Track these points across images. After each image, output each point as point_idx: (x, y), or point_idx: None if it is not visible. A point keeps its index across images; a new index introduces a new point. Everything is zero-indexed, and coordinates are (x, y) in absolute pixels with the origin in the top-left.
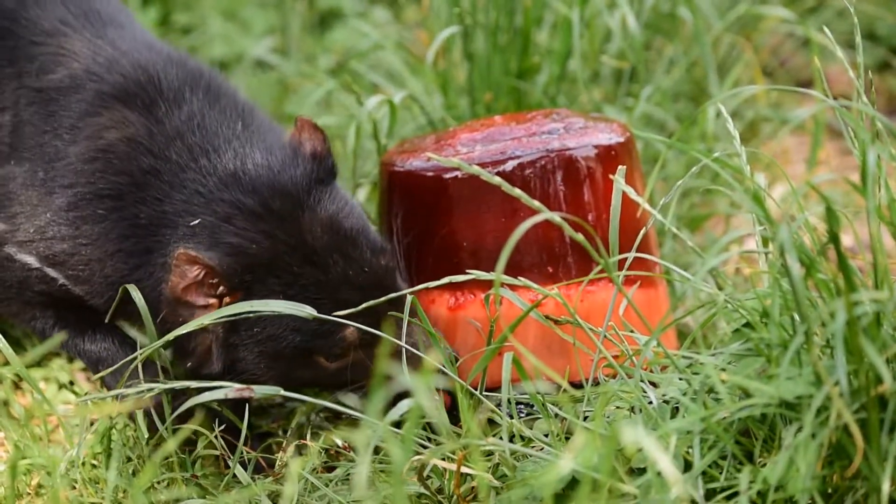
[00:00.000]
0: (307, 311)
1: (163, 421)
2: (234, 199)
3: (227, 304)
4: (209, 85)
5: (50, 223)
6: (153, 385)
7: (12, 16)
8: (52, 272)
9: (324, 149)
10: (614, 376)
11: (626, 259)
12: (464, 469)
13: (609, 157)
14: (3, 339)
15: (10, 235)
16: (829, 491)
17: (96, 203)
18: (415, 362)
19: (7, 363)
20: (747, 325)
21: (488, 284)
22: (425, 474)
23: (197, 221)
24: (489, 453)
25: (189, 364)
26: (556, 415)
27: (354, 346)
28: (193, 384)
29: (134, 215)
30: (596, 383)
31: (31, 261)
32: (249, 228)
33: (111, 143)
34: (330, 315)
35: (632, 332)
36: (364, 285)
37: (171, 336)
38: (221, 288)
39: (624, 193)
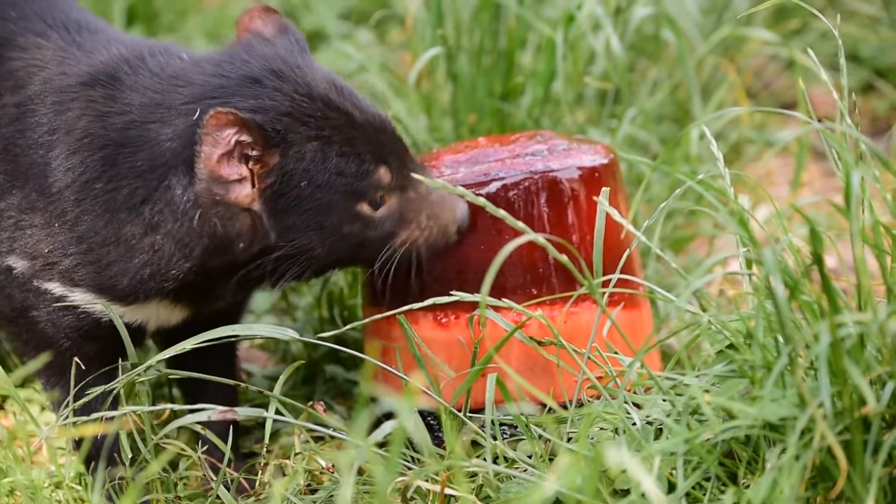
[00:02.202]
0: (289, 334)
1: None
2: (226, 80)
3: (261, 173)
4: (169, 46)
5: (58, 235)
6: (136, 408)
7: None
8: (78, 294)
9: (286, 23)
10: (598, 397)
11: (609, 280)
12: (448, 490)
13: (593, 178)
14: None
15: (31, 268)
16: None
17: (94, 186)
18: (445, 203)
19: None
20: (731, 346)
21: (472, 306)
22: (409, 496)
23: (196, 115)
24: (473, 475)
25: (242, 245)
26: (540, 436)
27: (390, 189)
28: (176, 407)
29: (132, 168)
30: (580, 404)
31: (56, 287)
32: (257, 91)
33: (85, 129)
34: (364, 151)
35: (616, 353)
36: (382, 128)
37: None
38: (256, 150)
39: (608, 215)
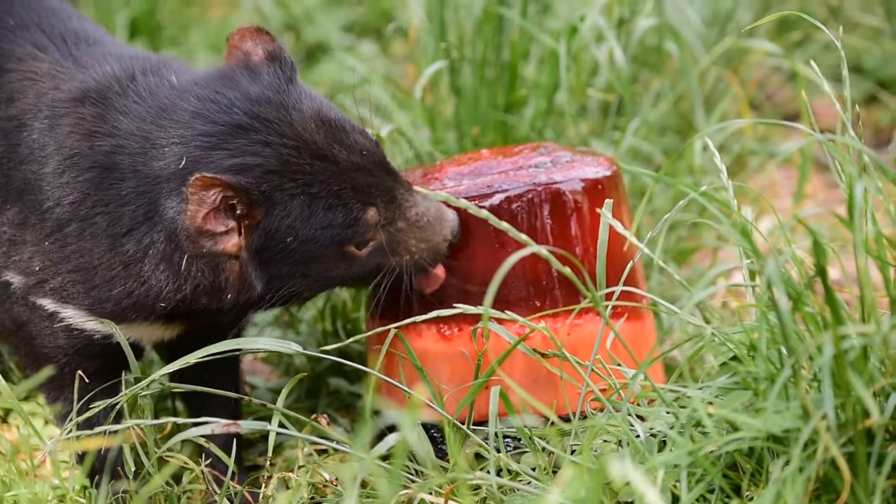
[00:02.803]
0: (293, 347)
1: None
2: (212, 126)
3: (247, 226)
4: (162, 65)
5: (49, 253)
6: (139, 422)
7: None
8: (69, 311)
9: (277, 47)
10: (602, 410)
11: (613, 292)
12: (451, 503)
13: (596, 190)
14: None
15: (25, 284)
16: None
17: (80, 208)
18: (435, 224)
19: None
20: (734, 358)
21: (476, 318)
22: None
23: (183, 163)
24: (476, 487)
25: (229, 296)
26: (544, 448)
27: (379, 226)
28: (180, 420)
29: (117, 196)
30: (583, 417)
31: (49, 303)
32: (244, 143)
33: (73, 148)
34: (351, 199)
35: (619, 365)
36: (369, 167)
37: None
38: (241, 208)
39: (611, 227)
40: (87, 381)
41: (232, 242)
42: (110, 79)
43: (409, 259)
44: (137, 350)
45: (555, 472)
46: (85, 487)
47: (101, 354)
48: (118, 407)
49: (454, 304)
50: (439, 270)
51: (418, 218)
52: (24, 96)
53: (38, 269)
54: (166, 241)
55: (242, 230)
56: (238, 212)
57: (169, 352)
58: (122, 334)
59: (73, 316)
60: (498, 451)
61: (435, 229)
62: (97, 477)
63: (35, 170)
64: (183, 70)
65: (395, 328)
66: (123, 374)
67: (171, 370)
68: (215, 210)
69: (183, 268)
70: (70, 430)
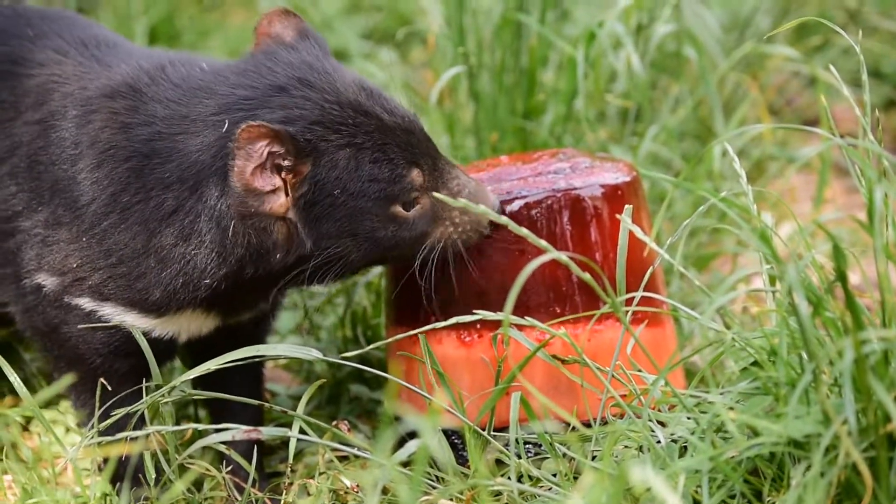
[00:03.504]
0: (313, 354)
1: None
2: (252, 91)
3: (294, 182)
4: (189, 57)
5: (86, 249)
6: (160, 428)
7: (11, 57)
8: (107, 309)
9: (306, 26)
10: (622, 416)
11: (633, 298)
12: None
13: (615, 196)
14: (18, 379)
15: (60, 284)
16: None
17: (120, 198)
18: (477, 196)
19: (13, 405)
20: (755, 363)
21: (496, 324)
22: None
23: (226, 127)
24: (497, 493)
25: (278, 256)
26: (565, 454)
27: (423, 189)
28: (201, 426)
29: (160, 180)
30: (604, 423)
31: (86, 302)
32: (286, 100)
33: (108, 141)
34: (396, 155)
35: (639, 371)
36: (412, 129)
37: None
38: (289, 160)
39: (631, 233)
40: (116, 383)
41: (279, 202)
42: (139, 72)
43: (454, 231)
44: (172, 346)
45: (576, 478)
46: (106, 494)
47: (135, 353)
48: (139, 413)
49: (474, 311)
50: None
51: (460, 189)
52: (50, 99)
53: (75, 266)
54: (213, 210)
55: (289, 190)
56: (285, 165)
57: (194, 357)
58: (153, 331)
59: (113, 313)
60: (519, 457)
61: (478, 201)
62: (119, 483)
63: (67, 168)
64: (212, 61)
65: (416, 334)
66: (145, 382)
67: (192, 376)
68: (261, 166)
69: (230, 233)
70: (92, 437)
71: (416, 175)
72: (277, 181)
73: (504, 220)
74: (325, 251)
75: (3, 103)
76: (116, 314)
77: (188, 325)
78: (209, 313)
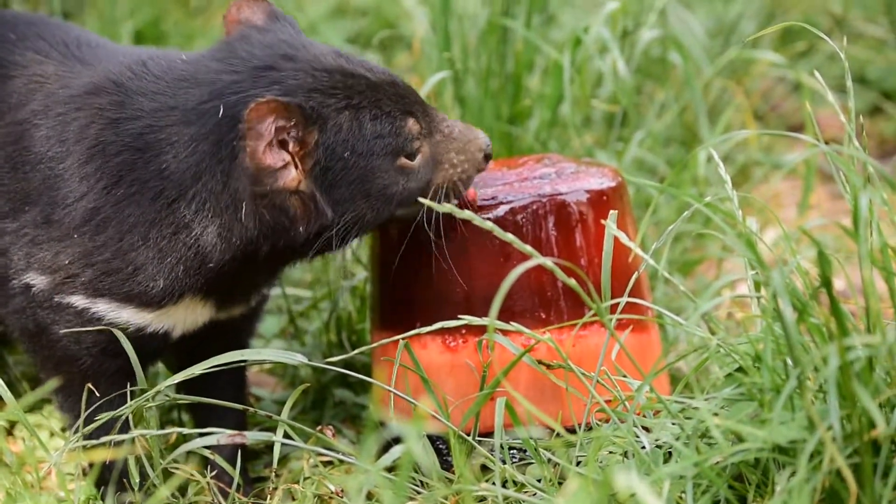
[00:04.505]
0: (298, 358)
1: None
2: (238, 75)
3: (302, 154)
4: (167, 52)
5: (78, 246)
6: (145, 432)
7: None
8: (101, 305)
9: (275, 8)
10: (607, 421)
11: (618, 304)
12: None
13: (601, 201)
14: (1, 383)
15: (51, 283)
16: None
17: (114, 192)
18: (468, 134)
19: None
20: (740, 369)
21: (481, 329)
22: None
23: (221, 113)
24: (482, 499)
25: (301, 229)
26: (549, 460)
27: (420, 138)
28: (185, 430)
29: (157, 171)
30: (589, 428)
31: (79, 300)
32: (275, 76)
33: (96, 136)
34: (391, 108)
35: (624, 376)
36: (396, 83)
37: None
38: (295, 131)
39: (616, 238)
40: (104, 384)
41: (291, 177)
42: (121, 68)
43: (454, 172)
44: (165, 342)
45: (560, 484)
46: (90, 499)
47: (123, 352)
48: (124, 417)
49: (459, 316)
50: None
51: (451, 130)
52: (32, 99)
53: (66, 263)
54: (220, 196)
55: (298, 162)
56: (291, 137)
57: (178, 359)
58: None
59: (107, 309)
60: (503, 462)
61: (469, 139)
62: (103, 488)
63: (54, 165)
64: (189, 53)
65: (401, 339)
66: (129, 386)
67: (176, 381)
68: (270, 144)
69: (242, 215)
70: (76, 441)
71: (412, 124)
72: (286, 156)
73: (489, 225)
74: (342, 217)
75: None
76: (111, 310)
77: (184, 316)
78: (206, 301)
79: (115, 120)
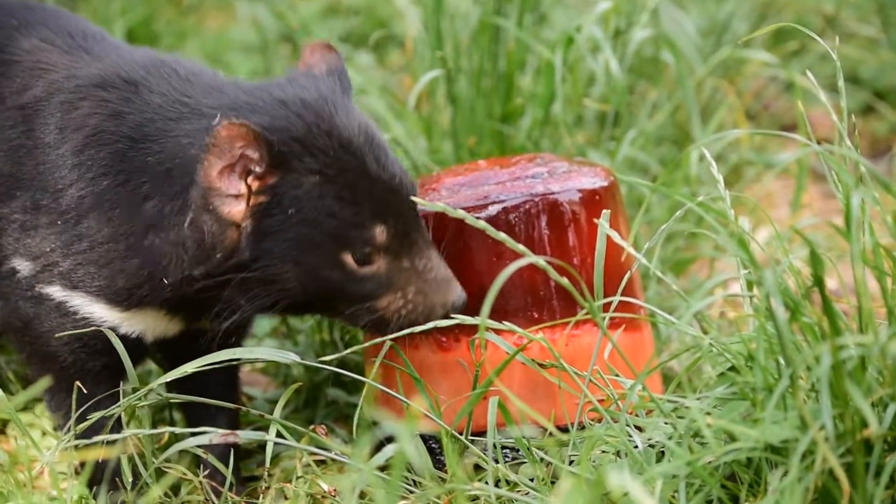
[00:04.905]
0: (291, 357)
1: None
2: (255, 100)
3: (258, 189)
4: (189, 63)
5: (61, 234)
6: (137, 432)
7: None
8: (77, 299)
9: (339, 64)
10: (600, 420)
11: (610, 303)
12: None
13: (593, 201)
14: None
15: (33, 269)
16: None
17: (99, 182)
18: (441, 284)
19: None
20: (732, 368)
21: (473, 329)
22: None
23: (217, 121)
24: (475, 498)
25: (219, 257)
26: (542, 459)
27: (382, 251)
28: (177, 430)
29: (141, 164)
30: (581, 427)
31: (56, 291)
32: (280, 112)
33: (96, 126)
34: (365, 203)
35: (617, 375)
36: (397, 191)
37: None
38: (259, 167)
39: (608, 237)
40: (90, 384)
41: (238, 209)
42: (135, 65)
43: (402, 306)
44: (141, 345)
45: (553, 483)
46: (83, 498)
47: (107, 351)
48: (116, 417)
49: (451, 315)
50: None
51: (426, 269)
52: (35, 85)
53: (48, 250)
54: (179, 197)
55: (251, 199)
56: (255, 171)
57: (169, 357)
58: (121, 327)
59: (81, 303)
60: (496, 461)
61: (439, 289)
62: (95, 488)
63: (50, 152)
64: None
65: (393, 339)
66: (122, 385)
67: (168, 379)
68: (231, 167)
69: (186, 225)
70: (68, 440)
71: (378, 232)
72: (242, 188)
73: (481, 224)
74: (264, 267)
75: None
76: (85, 305)
77: (154, 324)
78: (173, 316)
79: (118, 113)
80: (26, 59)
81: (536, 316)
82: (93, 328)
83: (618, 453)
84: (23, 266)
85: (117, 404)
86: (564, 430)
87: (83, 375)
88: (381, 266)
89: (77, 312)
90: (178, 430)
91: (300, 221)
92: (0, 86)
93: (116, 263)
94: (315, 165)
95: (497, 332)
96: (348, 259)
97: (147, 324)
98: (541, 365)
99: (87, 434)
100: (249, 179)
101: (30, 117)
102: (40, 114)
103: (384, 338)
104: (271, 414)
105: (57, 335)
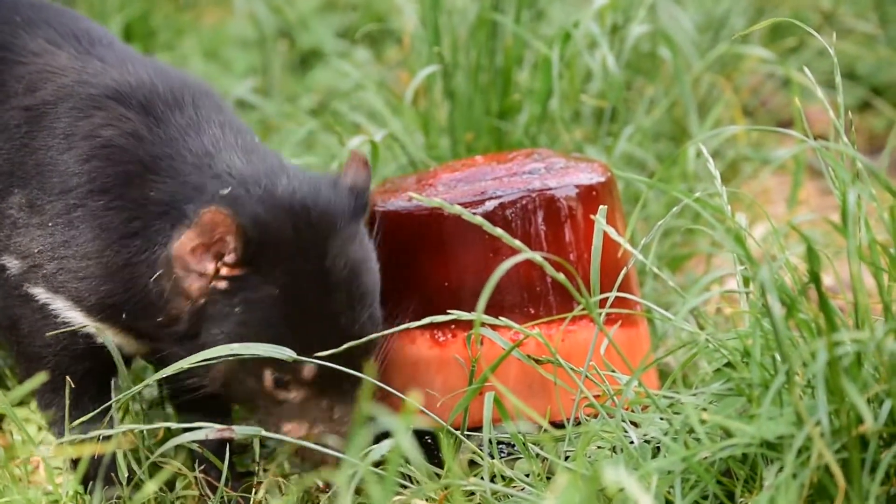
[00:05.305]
0: (287, 353)
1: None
2: (270, 188)
3: (223, 275)
4: (207, 93)
5: (50, 236)
6: (132, 427)
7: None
8: (59, 303)
9: (366, 185)
10: (596, 416)
11: (606, 299)
12: None
13: (590, 196)
14: None
15: (21, 268)
16: None
17: (96, 198)
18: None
19: None
20: (728, 364)
21: (469, 324)
22: None
23: (227, 191)
24: (471, 494)
25: (160, 319)
26: (538, 455)
27: (303, 385)
28: (172, 425)
29: (143, 195)
30: (577, 423)
31: (41, 292)
32: (278, 214)
33: (109, 139)
34: (305, 337)
35: (613, 371)
36: (348, 335)
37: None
38: (230, 256)
39: (605, 233)
40: (75, 385)
41: (198, 286)
42: (152, 91)
43: (303, 437)
44: (121, 354)
45: (549, 479)
46: (78, 493)
47: (86, 355)
48: (111, 412)
49: (448, 311)
50: None
51: (340, 420)
52: (43, 87)
53: (36, 251)
54: (158, 254)
55: (212, 280)
56: (227, 259)
57: (158, 361)
58: (98, 337)
59: (62, 308)
60: (492, 457)
61: (316, 443)
62: (90, 483)
63: (54, 154)
64: (231, 111)
65: (389, 334)
66: (115, 379)
67: (163, 375)
68: (206, 247)
69: (152, 279)
70: (63, 436)
71: (308, 368)
72: (210, 268)
73: (478, 220)
74: (193, 347)
75: None
76: (65, 310)
77: (125, 342)
78: (138, 340)
79: (137, 135)
80: (34, 62)
81: (533, 312)
82: (71, 331)
83: (613, 449)
84: (12, 264)
85: (111, 401)
86: (560, 425)
87: (69, 377)
88: (297, 396)
89: (58, 316)
90: (173, 425)
91: (241, 322)
92: (4, 85)
93: (91, 281)
94: (281, 279)
95: (493, 327)
96: (268, 376)
97: (119, 339)
98: (537, 361)
99: (79, 431)
100: (219, 263)
101: (35, 119)
102: (47, 117)
103: (383, 332)
104: None
105: (40, 337)
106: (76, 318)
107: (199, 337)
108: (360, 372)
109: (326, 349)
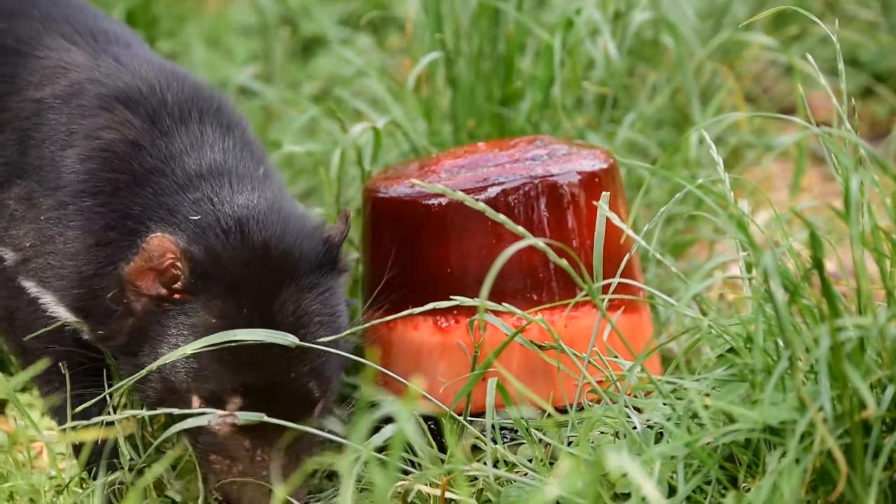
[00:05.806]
0: (289, 339)
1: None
2: (241, 222)
3: (169, 297)
4: (219, 110)
5: (41, 232)
6: (133, 413)
7: (17, 35)
8: (47, 297)
9: (339, 238)
10: (599, 402)
11: (609, 285)
12: (448, 494)
13: (593, 183)
14: None
15: (15, 261)
16: None
17: (84, 199)
18: (253, 483)
19: None
20: (731, 350)
21: (472, 310)
22: (410, 500)
23: (197, 218)
24: (473, 479)
25: (100, 333)
26: (541, 440)
27: (225, 422)
28: (176, 411)
29: (126, 207)
30: (580, 409)
31: (32, 286)
32: (238, 252)
33: (109, 143)
34: (240, 374)
35: (616, 357)
36: (282, 389)
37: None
38: (178, 284)
39: (608, 219)
40: (70, 378)
41: (142, 304)
42: (160, 101)
43: (221, 472)
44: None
45: (552, 464)
46: (82, 478)
47: (77, 348)
48: (113, 398)
49: (451, 297)
50: None
51: (258, 462)
52: (55, 82)
53: (27, 245)
54: (118, 271)
55: (158, 300)
56: (176, 284)
57: None
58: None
59: (50, 302)
60: (495, 442)
61: (257, 487)
62: (94, 468)
63: (55, 150)
64: (243, 128)
65: (392, 320)
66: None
67: (164, 362)
68: (157, 272)
69: (109, 296)
70: (65, 422)
71: (232, 404)
72: (161, 291)
73: (481, 206)
74: (132, 365)
75: (3, 77)
76: (52, 304)
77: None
78: None
79: (138, 144)
80: (49, 56)
81: (535, 298)
82: (60, 325)
83: (616, 434)
84: (8, 255)
85: (113, 388)
86: (563, 411)
87: (59, 372)
88: (222, 430)
89: (47, 310)
90: (176, 410)
91: (175, 345)
92: (19, 77)
93: (70, 280)
94: (222, 311)
95: (496, 313)
96: (195, 403)
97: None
98: (540, 347)
99: (81, 417)
100: (167, 288)
101: (43, 112)
102: (55, 111)
103: (387, 318)
104: None
105: (33, 329)
106: (62, 313)
107: (138, 356)
108: (288, 415)
109: (263, 392)
